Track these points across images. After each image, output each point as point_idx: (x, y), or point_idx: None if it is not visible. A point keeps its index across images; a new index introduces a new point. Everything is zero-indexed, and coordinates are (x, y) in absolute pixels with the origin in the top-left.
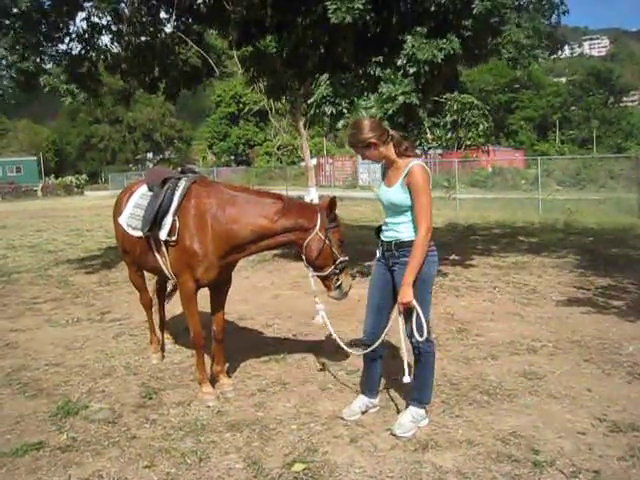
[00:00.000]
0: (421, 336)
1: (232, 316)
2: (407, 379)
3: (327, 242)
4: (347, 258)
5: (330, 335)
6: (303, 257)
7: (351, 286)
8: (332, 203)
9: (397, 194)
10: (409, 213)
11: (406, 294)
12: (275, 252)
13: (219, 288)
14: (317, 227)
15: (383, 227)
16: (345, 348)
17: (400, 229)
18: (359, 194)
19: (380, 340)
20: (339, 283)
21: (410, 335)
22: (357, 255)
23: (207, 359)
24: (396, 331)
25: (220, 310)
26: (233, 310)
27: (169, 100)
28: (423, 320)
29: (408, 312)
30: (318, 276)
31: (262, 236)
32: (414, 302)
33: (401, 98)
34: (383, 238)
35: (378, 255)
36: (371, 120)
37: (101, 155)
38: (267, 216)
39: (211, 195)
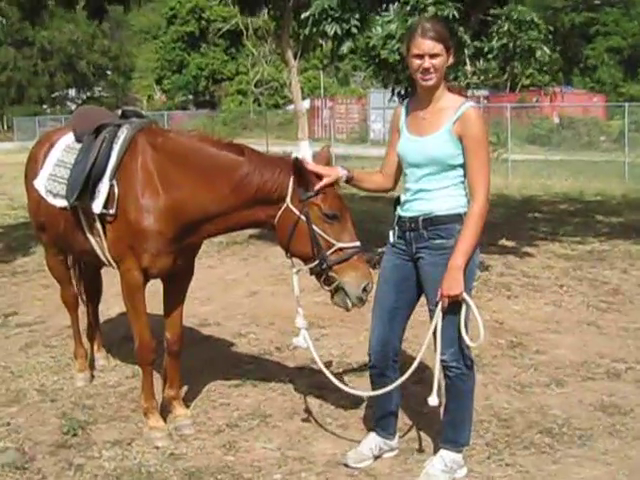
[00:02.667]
0: (474, 342)
1: (191, 321)
2: (434, 401)
3: (303, 219)
4: (352, 244)
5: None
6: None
7: (367, 289)
8: (297, 164)
9: (441, 145)
10: (452, 175)
11: (457, 283)
12: (251, 232)
13: (176, 281)
14: (287, 199)
15: (404, 197)
16: (338, 384)
17: (434, 198)
18: (371, 152)
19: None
20: (335, 284)
21: (448, 345)
22: (368, 238)
23: (157, 380)
24: (415, 341)
25: (177, 312)
26: (193, 312)
27: (92, 18)
28: (480, 322)
29: (453, 310)
30: (310, 271)
31: (220, 212)
32: (465, 295)
33: (432, 9)
34: (403, 212)
35: (392, 239)
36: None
37: (2, 91)
38: (224, 182)
39: (163, 150)
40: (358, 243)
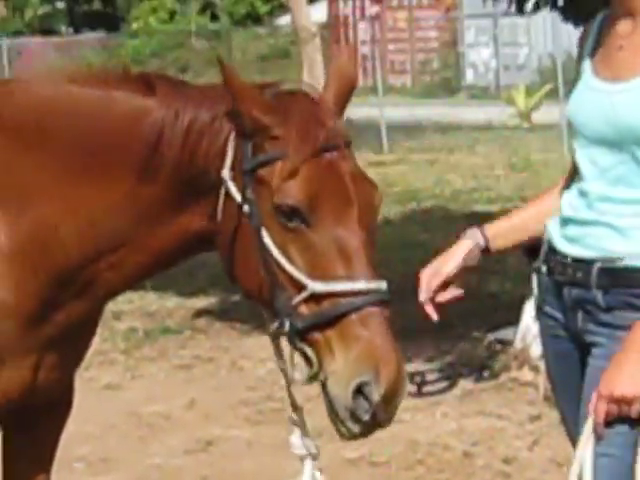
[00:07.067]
0: None
1: None
2: None
3: (246, 213)
4: (352, 285)
5: None
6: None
7: (368, 393)
8: (229, 80)
9: None
10: None
11: (632, 375)
12: (200, 303)
13: (33, 425)
14: (225, 170)
15: (568, 210)
16: None
17: (631, 227)
18: (466, 114)
19: None
20: (316, 372)
21: None
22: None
23: None
24: None
25: None
26: None
27: None
28: None
29: (619, 434)
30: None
31: (122, 232)
32: None
33: None
34: (565, 244)
35: (537, 293)
36: None
37: None
38: (124, 160)
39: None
40: (372, 284)
